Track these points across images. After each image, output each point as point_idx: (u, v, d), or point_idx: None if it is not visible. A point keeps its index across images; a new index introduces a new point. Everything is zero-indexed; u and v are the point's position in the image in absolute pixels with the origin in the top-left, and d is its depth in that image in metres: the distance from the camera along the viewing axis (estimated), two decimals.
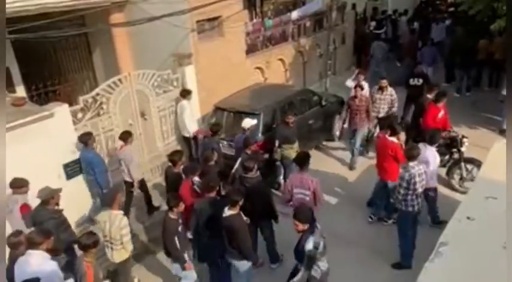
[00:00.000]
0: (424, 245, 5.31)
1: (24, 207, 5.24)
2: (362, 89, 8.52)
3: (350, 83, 9.66)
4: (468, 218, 3.02)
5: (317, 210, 5.28)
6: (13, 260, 4.29)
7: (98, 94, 7.00)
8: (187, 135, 8.28)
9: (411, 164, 5.40)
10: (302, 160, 5.66)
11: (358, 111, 8.28)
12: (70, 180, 6.49)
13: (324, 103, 9.15)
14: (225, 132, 7.88)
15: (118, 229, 4.97)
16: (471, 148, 7.30)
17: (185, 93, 8.08)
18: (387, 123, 7.08)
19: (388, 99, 8.71)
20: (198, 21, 8.63)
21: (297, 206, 4.82)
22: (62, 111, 6.32)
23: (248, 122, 7.24)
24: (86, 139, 6.30)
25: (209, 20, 8.95)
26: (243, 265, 5.01)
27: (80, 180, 6.65)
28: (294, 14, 11.88)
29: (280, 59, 11.41)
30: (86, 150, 6.40)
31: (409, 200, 5.46)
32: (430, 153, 6.01)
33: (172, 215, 4.99)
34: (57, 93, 9.24)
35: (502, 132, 8.77)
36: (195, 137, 8.18)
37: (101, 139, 7.13)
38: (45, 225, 4.91)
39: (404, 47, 13.54)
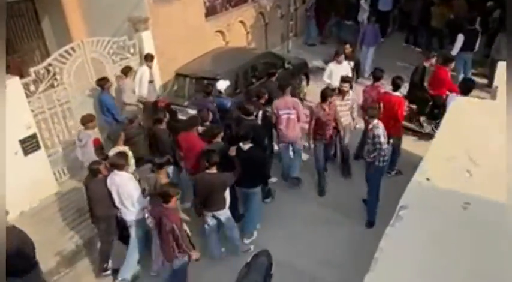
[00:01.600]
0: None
1: (97, 140, 6.03)
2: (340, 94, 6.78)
3: (319, 63, 9.42)
4: (428, 179, 2.93)
5: (301, 124, 6.65)
6: (87, 183, 5.14)
7: (50, 64, 6.63)
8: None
9: (375, 121, 5.64)
10: (284, 86, 6.75)
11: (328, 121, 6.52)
12: (28, 156, 6.23)
13: (287, 66, 9.08)
14: (187, 99, 7.74)
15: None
16: None
17: (149, 58, 7.74)
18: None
19: (349, 106, 6.91)
20: None
21: None
22: (13, 83, 5.95)
23: (222, 84, 7.12)
24: (102, 83, 6.94)
25: None
26: (258, 192, 5.78)
27: (39, 155, 6.39)
28: None
29: (241, 22, 11.12)
30: (103, 93, 7.00)
31: (382, 155, 5.69)
32: None
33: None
34: (7, 64, 8.66)
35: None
36: (155, 103, 7.80)
37: (57, 112, 6.82)
38: (136, 139, 6.10)
39: None
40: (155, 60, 8.12)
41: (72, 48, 6.93)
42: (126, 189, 4.97)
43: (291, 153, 7.02)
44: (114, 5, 8.07)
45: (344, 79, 6.82)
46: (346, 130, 6.83)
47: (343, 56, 8.05)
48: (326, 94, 6.30)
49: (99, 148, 6.02)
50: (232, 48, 10.06)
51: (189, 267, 4.83)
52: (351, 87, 7.08)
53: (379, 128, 5.65)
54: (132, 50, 7.93)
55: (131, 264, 5.39)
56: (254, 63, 8.44)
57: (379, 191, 5.95)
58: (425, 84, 8.02)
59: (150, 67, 7.76)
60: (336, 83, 7.44)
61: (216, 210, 5.31)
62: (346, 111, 6.82)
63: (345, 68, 7.97)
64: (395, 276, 2.33)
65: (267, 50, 10.93)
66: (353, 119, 6.97)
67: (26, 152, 6.21)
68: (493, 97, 5.03)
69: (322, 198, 6.68)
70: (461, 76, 9.25)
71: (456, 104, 4.03)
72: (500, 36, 9.16)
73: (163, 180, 5.06)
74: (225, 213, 5.39)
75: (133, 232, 5.29)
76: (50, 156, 6.71)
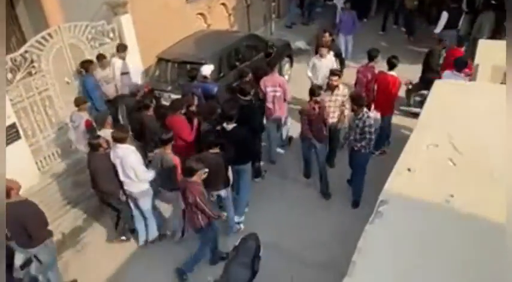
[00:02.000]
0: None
1: (88, 122, 6.11)
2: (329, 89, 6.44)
3: (302, 45, 9.25)
4: (409, 170, 2.66)
5: (288, 100, 6.94)
6: (90, 156, 5.32)
7: (26, 51, 6.42)
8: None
9: (365, 110, 5.60)
10: (273, 64, 7.26)
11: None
12: (9, 146, 6.08)
13: (269, 48, 9.00)
14: (170, 84, 7.63)
15: None
16: None
17: (120, 48, 7.45)
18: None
19: (339, 101, 6.50)
20: None
21: None
22: None
23: (207, 69, 7.04)
24: (86, 66, 6.91)
25: None
26: (248, 169, 5.89)
27: (19, 145, 6.25)
28: None
29: (223, 4, 10.93)
30: (86, 76, 6.96)
31: (371, 144, 5.66)
32: None
33: None
34: None
35: None
36: (134, 94, 7.16)
37: (36, 100, 6.65)
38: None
39: None
40: (136, 45, 7.96)
41: (49, 34, 6.72)
42: (129, 161, 5.11)
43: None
44: None
45: (333, 72, 6.42)
46: (339, 124, 6.57)
47: (325, 50, 7.52)
48: (314, 92, 5.95)
49: (91, 130, 6.05)
50: (214, 31, 9.90)
51: (180, 248, 4.88)
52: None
53: (371, 118, 5.56)
54: (111, 35, 7.73)
55: (151, 231, 5.68)
56: (237, 46, 8.34)
57: (365, 173, 5.99)
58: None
59: (123, 58, 7.52)
60: (319, 80, 7.34)
61: (220, 189, 5.38)
62: (337, 108, 6.42)
63: (329, 60, 7.59)
64: (374, 281, 2.09)
65: (249, 32, 10.80)
66: (344, 116, 6.50)
67: (6, 143, 6.06)
68: (474, 75, 5.08)
69: (309, 180, 6.72)
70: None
71: (437, 88, 3.69)
72: (482, 16, 9.21)
73: (170, 155, 5.26)
74: (227, 192, 5.47)
75: (142, 204, 5.44)
76: (32, 145, 6.57)
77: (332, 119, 6.43)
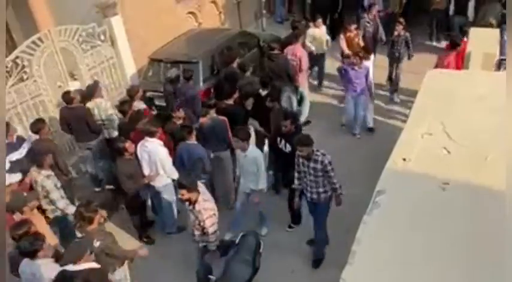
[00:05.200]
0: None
1: (147, 110, 6.25)
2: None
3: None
4: (404, 159, 2.68)
5: (301, 74, 7.48)
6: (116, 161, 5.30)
7: (17, 57, 6.39)
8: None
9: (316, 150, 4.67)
10: (297, 34, 7.79)
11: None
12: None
13: (262, 44, 8.98)
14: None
15: None
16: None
17: (90, 92, 6.53)
18: None
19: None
20: None
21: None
22: None
23: (173, 72, 7.01)
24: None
25: None
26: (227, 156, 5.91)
27: None
28: None
29: (213, 2, 10.88)
30: None
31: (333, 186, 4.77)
32: None
33: None
34: None
35: None
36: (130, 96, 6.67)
37: (30, 105, 6.61)
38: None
39: None
40: (127, 46, 7.92)
41: (40, 39, 6.68)
42: (158, 155, 5.16)
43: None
44: None
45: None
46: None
47: (319, 20, 8.43)
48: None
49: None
50: (205, 29, 9.87)
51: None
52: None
53: (326, 155, 4.58)
54: (102, 37, 7.69)
55: (170, 223, 5.76)
56: (229, 44, 8.32)
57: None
58: None
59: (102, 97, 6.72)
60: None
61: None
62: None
63: (322, 30, 8.49)
64: (375, 269, 2.12)
65: (241, 29, 10.77)
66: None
67: None
68: (467, 62, 5.09)
69: None
70: None
71: (430, 76, 3.69)
72: (485, 5, 8.97)
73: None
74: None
75: (165, 196, 5.48)
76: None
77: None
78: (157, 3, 8.77)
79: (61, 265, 3.54)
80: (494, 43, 5.11)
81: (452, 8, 9.47)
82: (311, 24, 8.77)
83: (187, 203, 4.22)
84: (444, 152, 2.75)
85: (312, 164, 4.58)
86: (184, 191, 4.14)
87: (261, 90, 6.49)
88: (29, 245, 3.64)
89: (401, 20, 7.86)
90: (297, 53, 7.48)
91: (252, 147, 5.12)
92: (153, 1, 8.67)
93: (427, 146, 2.82)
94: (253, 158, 5.00)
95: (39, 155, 5.05)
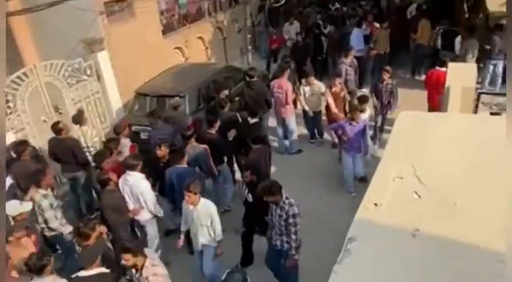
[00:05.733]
0: None
1: (133, 147, 6.28)
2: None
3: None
4: (375, 204, 2.62)
5: (288, 106, 7.66)
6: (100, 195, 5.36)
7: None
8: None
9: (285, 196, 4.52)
10: (283, 68, 7.92)
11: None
12: None
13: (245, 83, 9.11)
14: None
15: None
16: None
17: (77, 120, 6.51)
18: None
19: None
20: (106, 3, 8.06)
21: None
22: None
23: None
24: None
25: (117, 1, 8.40)
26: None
27: None
28: None
29: (200, 37, 11.13)
30: None
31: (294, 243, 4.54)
32: None
33: None
34: None
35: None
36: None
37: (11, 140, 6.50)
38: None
39: None
40: (114, 81, 7.95)
41: (25, 74, 6.67)
42: (140, 188, 5.11)
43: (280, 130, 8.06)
44: (67, 27, 7.84)
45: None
46: None
47: (312, 78, 7.85)
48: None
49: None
50: (192, 64, 10.02)
51: None
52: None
53: (294, 206, 4.41)
54: (88, 72, 7.72)
55: None
56: (215, 78, 8.43)
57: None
58: None
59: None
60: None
61: None
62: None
63: (317, 86, 7.87)
64: None
65: (227, 63, 10.96)
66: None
67: None
68: (446, 97, 5.19)
69: None
70: None
71: (402, 118, 3.46)
72: (466, 41, 9.38)
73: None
74: None
75: (149, 230, 5.40)
76: None
77: None
78: (144, 38, 8.92)
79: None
80: (472, 77, 5.26)
81: (439, 42, 9.84)
82: (303, 81, 8.13)
83: (133, 270, 3.80)
84: (415, 196, 2.66)
85: (278, 211, 4.44)
86: (128, 256, 3.70)
87: (249, 119, 6.73)
88: (37, 261, 3.79)
89: (388, 68, 7.74)
90: (282, 86, 7.65)
91: (203, 200, 4.79)
92: (141, 36, 8.81)
93: (398, 190, 2.72)
94: (206, 211, 4.74)
95: (20, 177, 5.27)
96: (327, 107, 7.71)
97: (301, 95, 7.88)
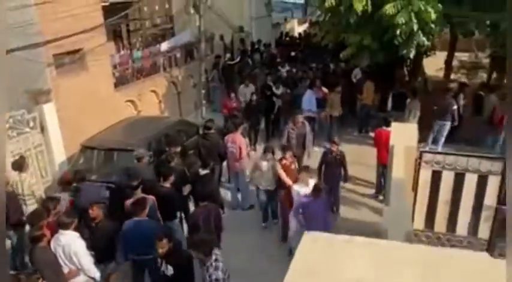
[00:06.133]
0: None
1: (71, 201, 5.97)
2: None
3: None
4: None
5: (242, 160, 7.67)
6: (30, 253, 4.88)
7: None
8: None
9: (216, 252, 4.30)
10: (237, 124, 8.02)
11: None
12: None
13: (201, 132, 9.10)
14: (96, 173, 7.26)
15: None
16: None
17: (17, 166, 6.26)
18: None
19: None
20: (55, 55, 7.93)
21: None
22: None
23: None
24: None
25: (69, 53, 8.29)
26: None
27: None
28: (164, 46, 11.85)
29: (153, 91, 11.12)
30: None
31: None
32: None
33: None
34: None
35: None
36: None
37: None
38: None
39: None
40: (59, 134, 7.63)
41: None
42: (73, 248, 4.78)
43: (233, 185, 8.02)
44: (13, 77, 7.54)
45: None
46: None
47: (270, 154, 7.06)
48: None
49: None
50: (144, 117, 9.89)
51: None
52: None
53: (219, 270, 4.12)
54: (31, 124, 7.37)
55: None
56: (167, 131, 8.32)
57: None
58: None
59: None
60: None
61: None
62: None
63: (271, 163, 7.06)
64: None
65: (180, 117, 10.94)
66: None
67: None
68: (391, 155, 5.39)
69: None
70: None
71: (306, 242, 2.63)
72: (410, 103, 9.91)
73: None
74: None
75: None
76: None
77: None
78: (95, 90, 8.76)
79: None
80: (413, 137, 5.54)
81: (390, 104, 10.57)
82: (261, 155, 7.24)
83: None
84: None
85: (204, 272, 4.17)
86: None
87: (200, 170, 6.72)
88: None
89: (336, 139, 7.51)
90: (236, 141, 7.71)
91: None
92: (91, 89, 8.65)
93: None
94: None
95: None
96: (279, 178, 6.88)
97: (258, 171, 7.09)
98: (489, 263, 2.12)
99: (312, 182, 6.20)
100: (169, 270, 4.37)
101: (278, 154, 7.32)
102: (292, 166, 7.06)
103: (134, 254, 5.24)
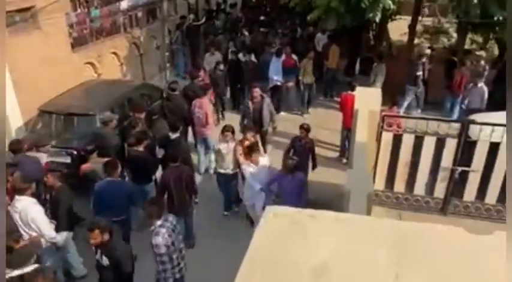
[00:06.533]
0: None
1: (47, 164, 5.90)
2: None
3: None
4: None
5: (208, 126, 7.58)
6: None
7: None
8: None
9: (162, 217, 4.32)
10: (204, 90, 7.90)
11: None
12: None
13: (165, 96, 8.89)
14: (56, 138, 6.98)
15: None
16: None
17: None
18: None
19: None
20: (5, 13, 7.34)
21: None
22: None
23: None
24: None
25: (19, 11, 7.71)
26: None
27: None
28: (124, 4, 11.24)
29: (114, 53, 10.65)
30: None
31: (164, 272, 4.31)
32: None
33: None
34: None
35: None
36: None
37: None
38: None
39: None
40: (13, 97, 7.22)
41: None
42: (29, 214, 4.61)
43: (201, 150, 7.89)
44: None
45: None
46: None
47: (230, 133, 6.46)
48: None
49: None
50: (105, 80, 9.53)
51: None
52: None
53: (159, 236, 4.08)
54: None
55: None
56: (130, 96, 8.06)
57: None
58: None
59: None
60: None
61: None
62: None
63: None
64: None
65: (144, 81, 10.60)
66: None
67: None
68: (355, 120, 5.46)
69: None
70: None
71: (268, 220, 2.26)
72: (375, 67, 9.99)
73: None
74: None
75: (46, 262, 4.68)
76: None
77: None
78: (50, 51, 8.26)
79: None
80: (377, 101, 5.63)
81: (358, 68, 10.91)
82: (220, 136, 6.67)
83: None
84: None
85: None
86: None
87: (170, 134, 6.57)
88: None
89: (306, 125, 6.85)
90: (203, 106, 7.56)
91: None
92: (46, 49, 8.14)
93: None
94: None
95: None
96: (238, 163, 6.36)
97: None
98: (462, 237, 2.09)
99: (262, 160, 6.03)
100: (105, 261, 4.21)
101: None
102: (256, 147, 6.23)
103: (106, 214, 5.06)
